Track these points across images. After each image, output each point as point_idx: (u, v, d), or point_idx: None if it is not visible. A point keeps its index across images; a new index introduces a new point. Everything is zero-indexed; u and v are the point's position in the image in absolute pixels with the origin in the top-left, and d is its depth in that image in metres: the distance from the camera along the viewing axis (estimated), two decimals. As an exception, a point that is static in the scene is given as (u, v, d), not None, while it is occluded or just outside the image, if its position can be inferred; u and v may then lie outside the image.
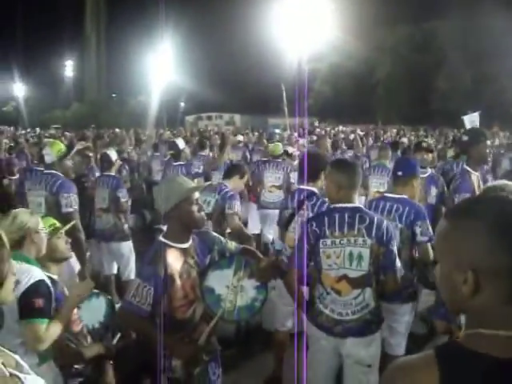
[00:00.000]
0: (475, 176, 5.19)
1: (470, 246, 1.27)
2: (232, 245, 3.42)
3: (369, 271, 3.39)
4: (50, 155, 5.40)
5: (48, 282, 2.94)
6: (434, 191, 6.14)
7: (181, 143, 8.84)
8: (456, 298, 1.33)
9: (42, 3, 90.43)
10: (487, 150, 5.31)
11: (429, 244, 4.16)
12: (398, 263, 3.46)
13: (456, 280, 1.30)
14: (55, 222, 3.49)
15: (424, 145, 7.29)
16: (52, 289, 2.95)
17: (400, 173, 4.41)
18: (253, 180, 8.58)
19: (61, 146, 5.56)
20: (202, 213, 3.15)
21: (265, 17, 36.07)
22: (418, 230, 4.15)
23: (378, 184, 7.79)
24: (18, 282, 2.65)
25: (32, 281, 2.81)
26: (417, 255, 4.27)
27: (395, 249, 3.46)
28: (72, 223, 3.78)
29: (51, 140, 6.19)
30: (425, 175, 5.99)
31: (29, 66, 69.34)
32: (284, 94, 18.18)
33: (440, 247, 1.38)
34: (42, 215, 3.81)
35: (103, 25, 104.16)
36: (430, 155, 6.83)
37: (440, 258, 1.38)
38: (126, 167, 9.68)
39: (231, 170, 5.86)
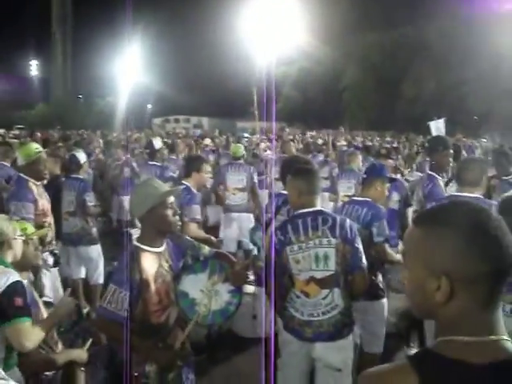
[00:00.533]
0: (441, 181, 5.33)
1: (444, 252, 1.27)
2: (206, 249, 3.42)
3: (336, 271, 3.44)
4: (19, 158, 5.29)
5: (24, 283, 2.94)
6: (395, 196, 6.19)
7: (157, 143, 8.76)
8: (427, 304, 1.32)
9: (7, 1, 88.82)
10: (449, 159, 5.42)
11: (386, 244, 4.29)
12: (365, 261, 3.52)
13: (428, 287, 1.29)
14: (27, 226, 3.44)
15: (383, 151, 7.38)
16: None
17: (365, 175, 4.58)
18: (217, 183, 8.54)
19: (29, 150, 5.34)
20: (177, 217, 3.14)
21: (234, 20, 36.11)
22: (374, 230, 4.23)
23: (346, 188, 7.85)
24: None
25: (10, 281, 2.82)
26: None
27: (361, 247, 3.51)
28: (44, 230, 3.71)
29: (21, 142, 6.04)
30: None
31: (-8, 66, 67.97)
32: (255, 98, 18.27)
33: (410, 254, 1.36)
34: (17, 219, 3.74)
35: (70, 24, 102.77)
36: (390, 161, 6.93)
37: (410, 265, 1.36)
38: (90, 171, 9.52)
39: (186, 168, 5.67)
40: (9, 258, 3.06)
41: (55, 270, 5.18)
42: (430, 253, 1.30)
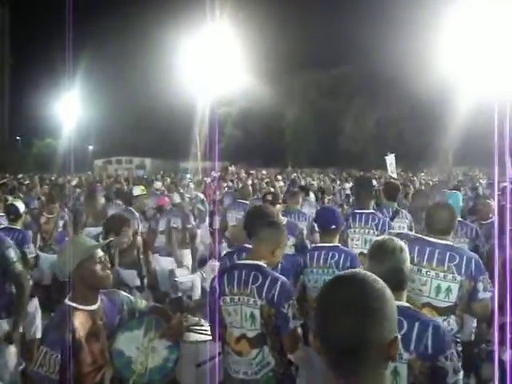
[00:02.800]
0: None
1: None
2: (142, 303, 3.35)
3: (262, 331, 3.33)
4: None
5: None
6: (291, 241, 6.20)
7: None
8: None
9: None
10: (369, 199, 5.78)
11: None
12: (294, 324, 3.32)
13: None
14: None
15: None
16: None
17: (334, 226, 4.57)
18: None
19: None
20: (108, 271, 3.04)
21: (177, 61, 36.34)
22: None
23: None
24: None
25: None
26: None
27: (288, 310, 3.29)
28: None
29: None
30: None
31: None
32: (197, 138, 18.33)
33: None
34: None
35: (7, 64, 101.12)
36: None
37: None
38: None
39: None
40: None
41: None
42: None
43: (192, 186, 12.95)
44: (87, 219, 8.10)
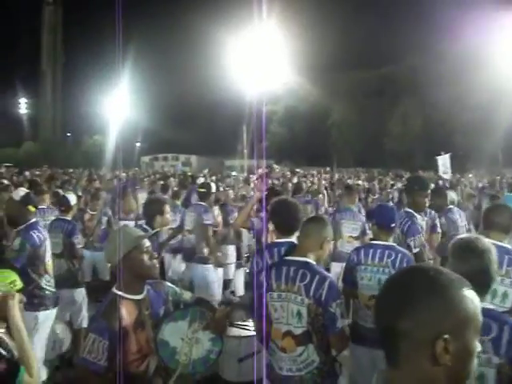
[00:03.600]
0: (420, 218, 5.39)
1: None
2: (187, 295, 3.37)
3: (308, 329, 3.31)
4: None
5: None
6: None
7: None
8: None
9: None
10: (424, 199, 5.50)
11: None
12: (342, 323, 3.30)
13: None
14: (16, 278, 3.17)
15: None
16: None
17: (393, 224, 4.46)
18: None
19: None
20: (154, 261, 3.05)
21: (223, 59, 36.58)
22: None
23: (351, 229, 7.68)
24: None
25: None
26: None
27: (336, 309, 3.27)
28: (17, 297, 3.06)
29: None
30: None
31: (-19, 104, 68.25)
32: (244, 136, 18.40)
33: None
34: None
35: (59, 63, 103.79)
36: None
37: None
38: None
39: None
40: None
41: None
42: None
43: (240, 184, 13.03)
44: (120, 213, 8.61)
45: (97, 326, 2.88)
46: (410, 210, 5.39)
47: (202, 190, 7.90)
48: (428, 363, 1.32)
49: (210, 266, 7.32)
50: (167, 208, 5.36)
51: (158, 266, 3.11)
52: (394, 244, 4.41)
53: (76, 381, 3.20)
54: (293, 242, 3.93)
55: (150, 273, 3.04)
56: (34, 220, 5.17)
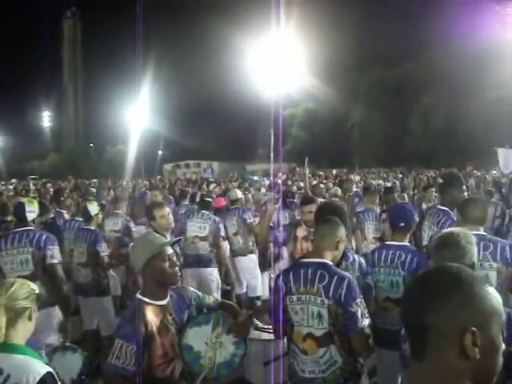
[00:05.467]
0: (453, 214, 5.30)
1: None
2: (210, 299, 3.41)
3: (329, 330, 3.31)
4: (33, 212, 5.37)
5: (51, 370, 2.43)
6: None
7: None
8: None
9: (19, 55, 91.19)
10: (462, 194, 5.36)
11: None
12: (362, 322, 3.28)
13: None
14: (35, 287, 2.90)
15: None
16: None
17: (403, 223, 4.41)
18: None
19: (37, 203, 5.57)
20: (176, 268, 3.11)
21: (241, 65, 36.68)
22: None
23: (374, 230, 7.61)
24: None
25: (38, 378, 2.32)
26: None
27: (357, 309, 3.27)
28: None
29: (28, 198, 6.10)
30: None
31: (6, 117, 69.50)
32: (264, 140, 18.42)
33: None
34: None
35: (80, 75, 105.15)
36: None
37: None
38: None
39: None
40: (25, 333, 2.53)
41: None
42: None
43: (262, 189, 13.07)
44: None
45: (124, 332, 2.94)
46: (446, 208, 5.27)
47: (207, 199, 8.03)
48: (456, 356, 1.34)
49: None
50: (161, 212, 5.58)
51: (178, 273, 3.15)
52: (407, 244, 4.37)
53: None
54: None
55: (172, 280, 3.10)
56: None
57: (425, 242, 5.23)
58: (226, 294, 8.07)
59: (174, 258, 3.13)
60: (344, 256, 3.88)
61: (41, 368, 2.37)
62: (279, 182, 13.43)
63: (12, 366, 2.31)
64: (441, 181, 5.64)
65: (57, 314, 5.33)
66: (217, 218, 7.73)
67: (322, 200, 9.34)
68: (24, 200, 5.72)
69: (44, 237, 5.26)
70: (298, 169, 32.43)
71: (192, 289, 3.46)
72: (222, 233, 7.62)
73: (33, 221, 5.40)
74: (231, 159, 58.27)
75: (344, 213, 4.23)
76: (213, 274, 7.49)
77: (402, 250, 4.26)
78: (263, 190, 12.85)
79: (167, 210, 5.77)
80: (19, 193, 13.75)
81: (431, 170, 25.88)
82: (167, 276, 3.05)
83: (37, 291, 2.62)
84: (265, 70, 23.69)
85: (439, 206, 5.25)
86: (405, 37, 50.61)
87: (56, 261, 5.23)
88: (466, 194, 5.39)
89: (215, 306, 3.34)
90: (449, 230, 3.06)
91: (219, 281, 7.60)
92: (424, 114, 50.30)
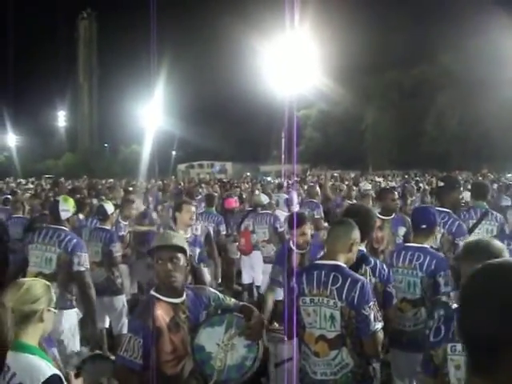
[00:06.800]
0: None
1: None
2: (231, 301, 3.37)
3: (342, 333, 3.30)
4: (67, 211, 5.30)
5: (58, 372, 2.45)
6: (402, 231, 6.07)
7: None
8: None
9: (35, 54, 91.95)
10: (460, 196, 5.39)
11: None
12: (375, 326, 3.26)
13: None
14: (49, 289, 2.85)
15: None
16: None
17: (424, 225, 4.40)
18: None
19: (73, 201, 5.48)
20: (170, 272, 3.03)
21: (256, 65, 36.71)
22: (441, 280, 4.10)
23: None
24: None
25: (44, 379, 2.34)
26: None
27: (370, 312, 3.25)
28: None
29: (64, 196, 5.99)
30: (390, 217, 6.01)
31: (21, 117, 70.04)
32: (277, 142, 18.45)
33: None
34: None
35: (95, 75, 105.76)
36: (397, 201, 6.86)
37: None
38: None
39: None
40: (37, 334, 2.53)
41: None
42: None
43: (276, 188, 13.05)
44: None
45: (133, 325, 3.00)
46: (448, 210, 5.26)
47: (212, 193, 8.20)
48: None
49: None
50: (188, 207, 5.69)
51: (173, 277, 3.04)
52: (427, 246, 4.35)
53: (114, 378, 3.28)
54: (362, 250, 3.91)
55: (166, 281, 3.04)
56: None
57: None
58: (237, 294, 8.09)
59: (175, 261, 3.05)
60: (365, 260, 3.88)
61: (47, 370, 2.37)
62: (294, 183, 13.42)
63: (19, 365, 2.34)
64: (441, 184, 5.64)
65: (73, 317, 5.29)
66: (218, 218, 8.16)
67: (316, 201, 9.51)
68: (59, 198, 5.65)
69: (74, 241, 5.17)
70: (309, 172, 32.30)
71: (212, 289, 3.44)
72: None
73: (67, 220, 5.32)
74: (245, 160, 58.32)
75: (366, 215, 4.18)
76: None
77: (421, 252, 4.26)
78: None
79: (194, 208, 5.85)
80: (36, 194, 13.77)
81: (446, 173, 25.64)
82: (161, 278, 3.04)
83: (52, 293, 2.62)
84: (279, 71, 23.67)
85: (439, 208, 5.17)
86: (420, 39, 50.39)
87: (83, 268, 5.16)
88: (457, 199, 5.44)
89: (235, 308, 3.30)
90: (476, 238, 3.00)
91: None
92: (438, 116, 49.97)
